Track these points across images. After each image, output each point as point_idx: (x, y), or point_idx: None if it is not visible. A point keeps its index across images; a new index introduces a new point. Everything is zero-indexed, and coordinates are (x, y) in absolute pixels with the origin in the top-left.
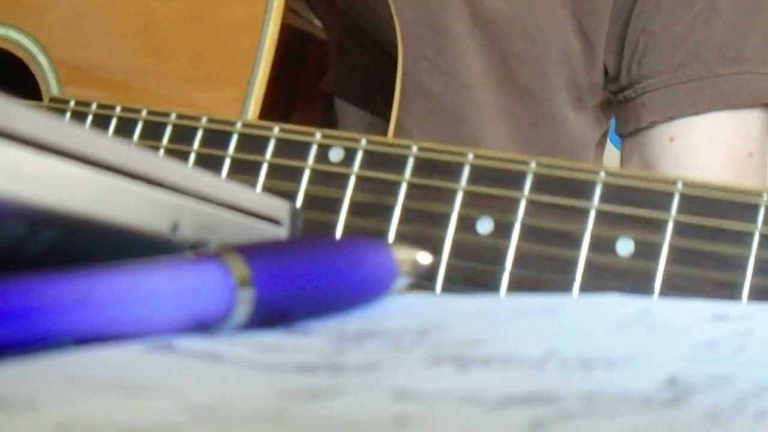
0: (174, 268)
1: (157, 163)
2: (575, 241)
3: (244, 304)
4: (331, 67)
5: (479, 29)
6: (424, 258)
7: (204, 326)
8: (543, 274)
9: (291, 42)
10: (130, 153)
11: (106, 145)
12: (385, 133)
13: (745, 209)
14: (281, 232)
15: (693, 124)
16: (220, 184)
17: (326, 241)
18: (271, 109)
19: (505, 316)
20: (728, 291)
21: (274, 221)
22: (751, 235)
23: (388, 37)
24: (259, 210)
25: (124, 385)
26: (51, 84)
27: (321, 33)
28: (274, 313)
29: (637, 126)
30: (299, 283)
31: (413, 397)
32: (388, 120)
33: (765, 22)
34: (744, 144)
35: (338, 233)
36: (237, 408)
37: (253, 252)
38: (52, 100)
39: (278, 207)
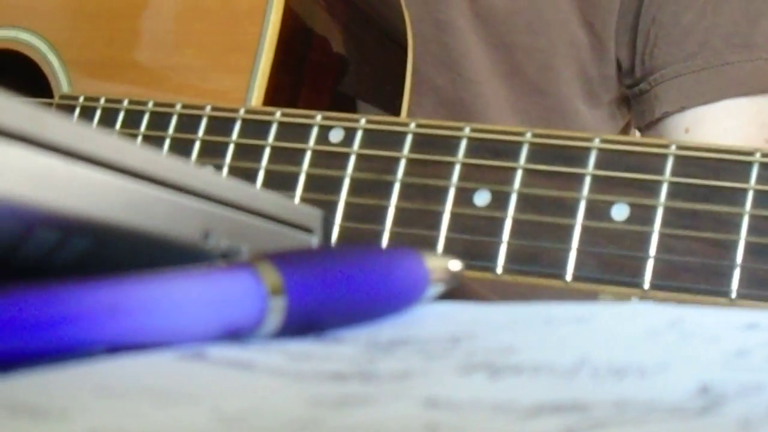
0: (206, 277)
1: (189, 171)
2: (571, 208)
3: (276, 312)
4: (339, 60)
5: (482, 25)
6: (456, 266)
7: (236, 334)
8: (540, 243)
9: (294, 30)
10: (161, 161)
11: (138, 153)
12: None
13: (739, 168)
14: (313, 240)
15: (706, 114)
16: (251, 192)
17: (358, 249)
18: (276, 97)
19: (536, 324)
20: (724, 250)
21: (306, 229)
22: (744, 192)
23: (397, 28)
24: (291, 218)
25: (155, 393)
26: (62, 82)
27: (325, 20)
28: (306, 321)
29: (651, 118)
30: (331, 291)
31: (444, 405)
32: (396, 113)
33: None
34: (759, 131)
35: (339, 212)
36: (268, 416)
37: (284, 260)
38: (62, 97)
39: (310, 215)
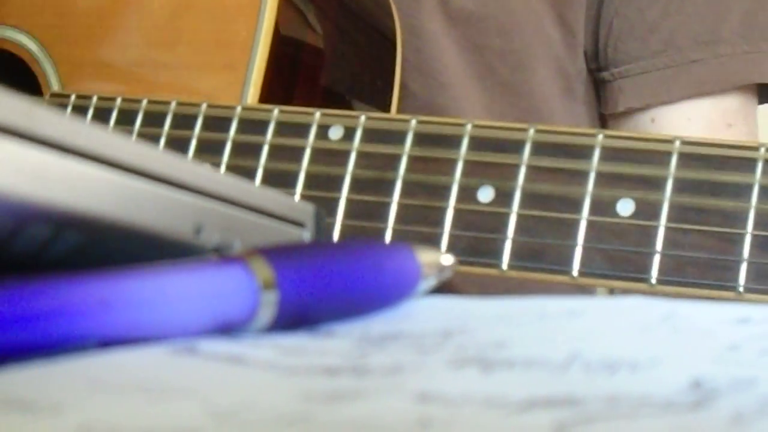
0: (197, 271)
1: (181, 165)
2: (576, 204)
3: (268, 306)
4: (332, 56)
5: (454, 28)
6: (448, 260)
7: (228, 329)
8: (545, 239)
9: (289, 25)
10: (153, 155)
11: (130, 147)
12: None
13: (743, 163)
14: (305, 235)
15: (671, 112)
16: (243, 186)
17: (350, 244)
18: (271, 93)
19: (528, 318)
20: (730, 245)
21: (298, 224)
22: (750, 187)
23: (386, 25)
24: (283, 213)
25: (147, 388)
26: (53, 82)
27: (317, 16)
28: (298, 315)
29: (615, 110)
30: (323, 285)
31: (437, 399)
32: (386, 109)
33: (743, 1)
34: (722, 117)
35: (341, 210)
36: (260, 411)
37: (276, 254)
38: (53, 95)
39: (302, 209)
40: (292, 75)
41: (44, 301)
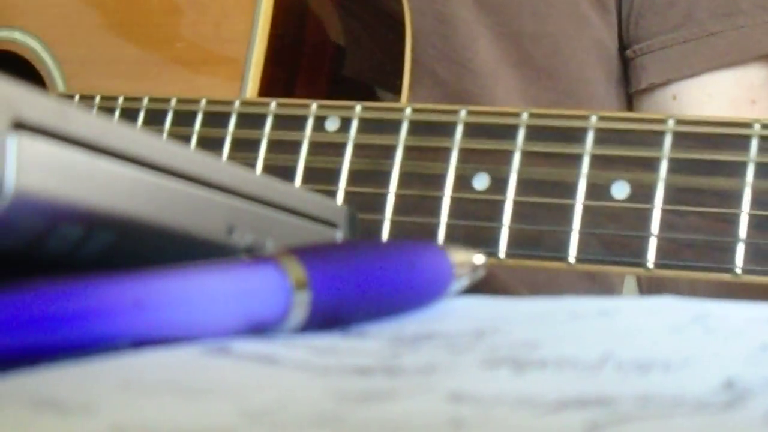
0: (230, 271)
1: (213, 165)
2: (571, 188)
3: (301, 306)
4: (333, 47)
5: (486, 15)
6: (480, 259)
7: (260, 329)
8: (541, 225)
9: (286, 18)
10: (185, 155)
11: (162, 147)
12: None
13: (738, 141)
14: (338, 235)
15: (692, 85)
16: (276, 186)
17: (382, 244)
18: (271, 87)
19: (560, 318)
20: (727, 225)
21: (331, 224)
22: (745, 165)
23: (393, 10)
24: (316, 213)
25: (180, 388)
26: (56, 81)
27: (316, 7)
28: (331, 315)
29: (638, 87)
30: (355, 285)
31: (469, 399)
32: (397, 96)
33: None
34: (746, 93)
35: (339, 200)
36: (293, 411)
37: (309, 254)
38: (58, 96)
39: (335, 210)
40: (293, 68)
41: (77, 301)
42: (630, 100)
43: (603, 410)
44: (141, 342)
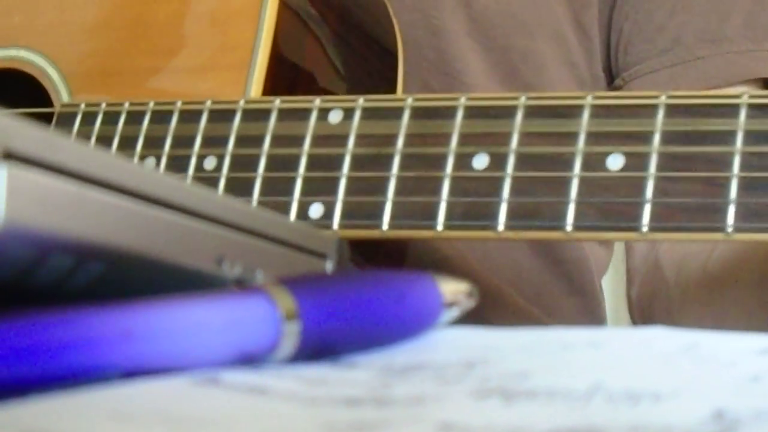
0: (220, 302)
1: (203, 196)
2: (568, 162)
3: (291, 337)
4: (333, 59)
5: (477, 28)
6: (470, 290)
7: (250, 359)
8: (539, 198)
9: (289, 27)
10: (175, 187)
11: (152, 178)
12: None
13: (727, 110)
14: (327, 266)
15: None
16: (265, 217)
17: (372, 274)
18: (274, 91)
19: (550, 348)
20: (718, 188)
21: (321, 255)
22: (734, 132)
23: (387, 32)
24: (305, 243)
25: (170, 418)
26: (62, 95)
27: (318, 20)
28: (321, 346)
29: None
30: (345, 316)
31: (459, 430)
32: None
33: (745, 2)
34: None
35: (342, 187)
36: None
37: (299, 285)
38: (64, 105)
39: (324, 240)
40: (294, 76)
41: (67, 331)
42: None
43: None
44: (131, 372)
